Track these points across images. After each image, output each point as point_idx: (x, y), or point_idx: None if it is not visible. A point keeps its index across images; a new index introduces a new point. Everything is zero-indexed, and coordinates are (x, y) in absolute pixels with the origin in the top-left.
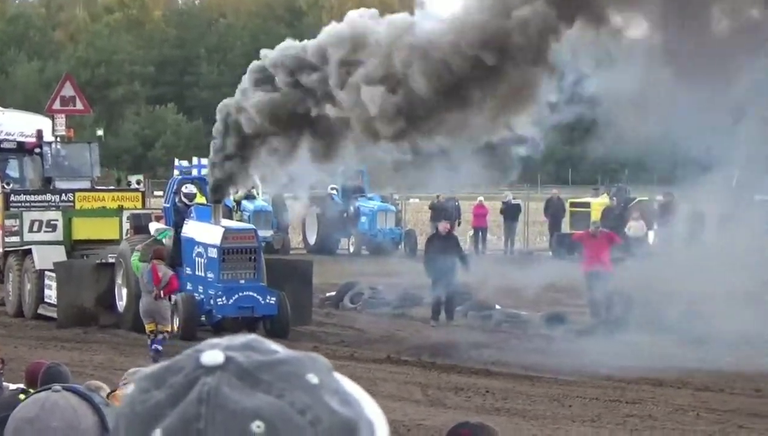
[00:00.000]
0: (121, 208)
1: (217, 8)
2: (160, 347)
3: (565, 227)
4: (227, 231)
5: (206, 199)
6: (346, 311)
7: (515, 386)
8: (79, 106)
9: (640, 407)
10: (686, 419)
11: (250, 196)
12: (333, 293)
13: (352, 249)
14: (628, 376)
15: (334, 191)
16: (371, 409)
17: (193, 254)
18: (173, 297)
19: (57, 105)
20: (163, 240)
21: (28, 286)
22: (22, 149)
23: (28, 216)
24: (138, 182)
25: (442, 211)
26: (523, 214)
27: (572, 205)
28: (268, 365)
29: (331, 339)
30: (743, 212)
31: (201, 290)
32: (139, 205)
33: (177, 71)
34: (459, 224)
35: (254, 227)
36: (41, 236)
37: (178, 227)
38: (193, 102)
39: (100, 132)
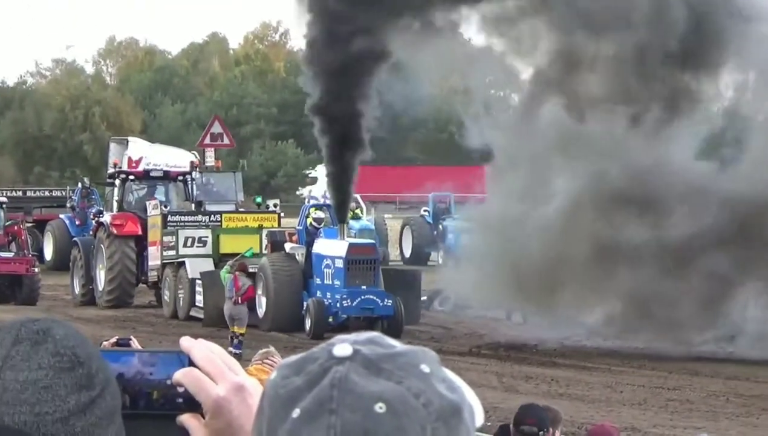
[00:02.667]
0: (260, 227)
1: None
2: (237, 351)
3: None
4: (351, 245)
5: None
6: (435, 313)
7: (575, 375)
8: (226, 141)
9: (679, 393)
10: (718, 403)
11: (355, 217)
12: (425, 298)
13: (440, 261)
14: (670, 366)
15: (426, 213)
16: (471, 395)
17: (322, 266)
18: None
19: (207, 140)
20: (249, 256)
21: (182, 292)
22: (167, 177)
23: (183, 233)
24: (275, 205)
25: None
26: None
27: None
28: (388, 357)
29: (423, 336)
30: None
31: (329, 296)
32: (275, 224)
33: (296, 112)
34: None
35: (374, 242)
36: (193, 250)
37: (309, 245)
38: (309, 138)
39: (243, 162)
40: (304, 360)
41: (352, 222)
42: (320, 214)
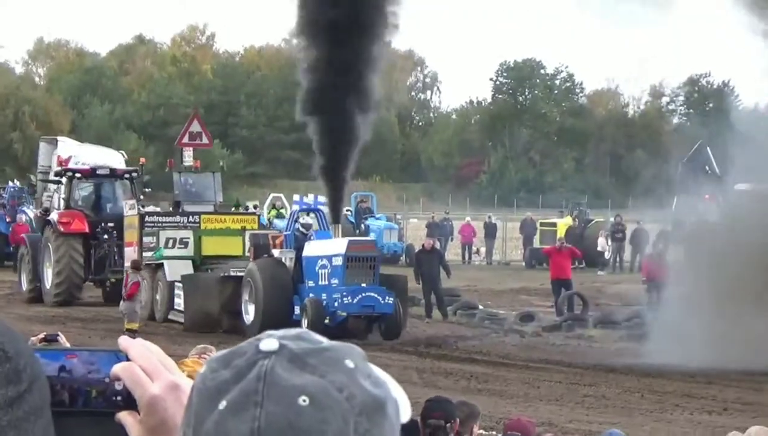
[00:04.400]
0: (243, 229)
1: (255, 62)
2: None
3: (536, 242)
4: (351, 242)
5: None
6: None
7: (494, 371)
8: (205, 140)
9: (595, 389)
10: (632, 399)
11: (279, 215)
12: None
13: None
14: (586, 363)
15: (349, 212)
16: (397, 391)
17: (316, 268)
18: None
19: (186, 139)
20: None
21: (159, 295)
22: (114, 175)
23: (164, 234)
24: (254, 207)
25: (437, 229)
26: (501, 232)
27: (542, 224)
28: (313, 352)
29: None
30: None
31: (324, 297)
32: (255, 226)
33: (222, 113)
34: (452, 240)
35: (374, 239)
36: (175, 252)
37: (298, 250)
38: (234, 139)
39: (221, 163)
40: (232, 354)
41: (370, 221)
42: (308, 219)
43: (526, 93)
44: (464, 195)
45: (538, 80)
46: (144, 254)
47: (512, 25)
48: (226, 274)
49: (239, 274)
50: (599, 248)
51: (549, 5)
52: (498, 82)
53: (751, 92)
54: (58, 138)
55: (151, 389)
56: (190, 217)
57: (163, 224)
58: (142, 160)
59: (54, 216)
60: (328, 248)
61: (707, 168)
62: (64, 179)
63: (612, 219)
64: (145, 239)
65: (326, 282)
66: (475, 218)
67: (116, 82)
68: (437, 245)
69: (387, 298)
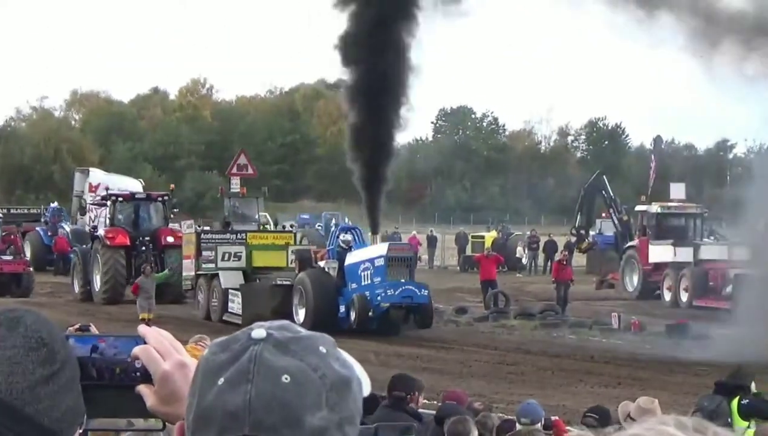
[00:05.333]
0: (287, 244)
1: (245, 108)
2: None
3: (468, 251)
4: (391, 245)
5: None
6: None
7: (435, 353)
8: (250, 171)
9: (515, 367)
10: (545, 376)
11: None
12: None
13: None
14: (508, 347)
15: (320, 227)
16: (360, 371)
17: (359, 272)
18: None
19: (234, 170)
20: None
21: (215, 300)
22: (149, 199)
23: (221, 249)
24: (291, 226)
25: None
26: (440, 243)
27: (473, 237)
28: (294, 340)
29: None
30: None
31: (368, 294)
32: (291, 241)
33: (219, 149)
34: None
35: (409, 243)
36: (230, 264)
37: (340, 262)
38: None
39: (264, 190)
40: (229, 341)
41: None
42: (348, 236)
43: (460, 133)
44: (411, 213)
45: (469, 123)
46: (203, 266)
47: (449, 76)
48: (276, 282)
49: (286, 282)
50: (518, 255)
51: (480, 62)
52: (437, 124)
53: (638, 132)
54: (90, 169)
55: (164, 366)
56: (239, 234)
57: (219, 241)
58: (172, 186)
59: (101, 232)
60: (370, 252)
61: (603, 192)
62: (109, 202)
63: (528, 232)
64: (204, 253)
65: (369, 282)
66: (419, 232)
67: (135, 124)
68: None
69: (423, 290)
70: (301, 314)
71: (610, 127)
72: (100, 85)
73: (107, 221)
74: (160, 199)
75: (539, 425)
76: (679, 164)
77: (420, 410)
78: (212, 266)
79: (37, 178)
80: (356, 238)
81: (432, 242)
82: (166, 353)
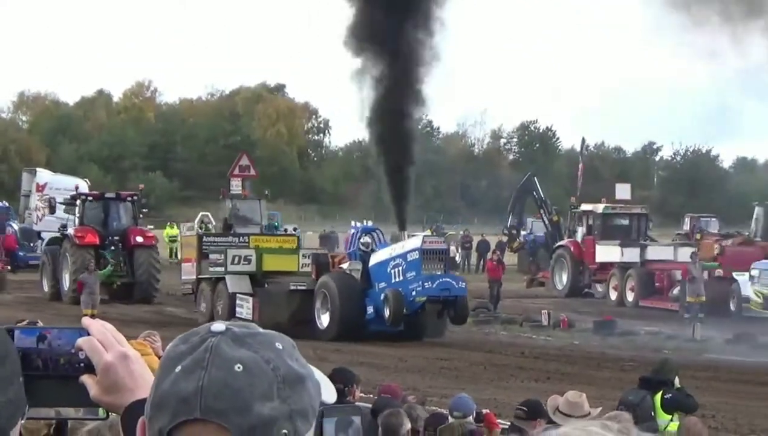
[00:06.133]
0: (298, 248)
1: (188, 111)
2: None
3: None
4: (425, 237)
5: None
6: None
7: (373, 349)
8: (252, 172)
9: (449, 363)
10: (478, 370)
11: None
12: None
13: None
14: (442, 342)
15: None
16: (322, 377)
17: (388, 269)
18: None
19: (236, 171)
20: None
21: (220, 306)
22: (119, 198)
23: (231, 252)
24: (294, 229)
25: (327, 240)
26: None
27: (408, 236)
28: (251, 335)
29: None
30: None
31: (401, 290)
32: (294, 245)
33: (162, 151)
34: (338, 247)
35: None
36: (239, 268)
37: (363, 263)
38: (172, 170)
39: (267, 191)
40: (190, 333)
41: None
42: (368, 239)
43: None
44: (349, 214)
45: None
46: (210, 269)
47: None
48: (292, 287)
49: (302, 287)
50: (452, 255)
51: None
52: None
53: (569, 135)
54: (37, 169)
55: (106, 357)
56: (241, 237)
57: (223, 244)
58: (141, 185)
59: (71, 231)
60: (400, 248)
61: (534, 194)
62: (78, 202)
63: (462, 232)
64: (212, 256)
65: (400, 278)
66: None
67: (81, 126)
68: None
69: (460, 283)
70: (324, 318)
71: (541, 130)
72: (47, 86)
73: (76, 221)
74: (129, 199)
75: (471, 418)
76: (608, 166)
77: (357, 403)
78: (221, 269)
79: None
80: (376, 238)
81: None
82: (109, 344)
